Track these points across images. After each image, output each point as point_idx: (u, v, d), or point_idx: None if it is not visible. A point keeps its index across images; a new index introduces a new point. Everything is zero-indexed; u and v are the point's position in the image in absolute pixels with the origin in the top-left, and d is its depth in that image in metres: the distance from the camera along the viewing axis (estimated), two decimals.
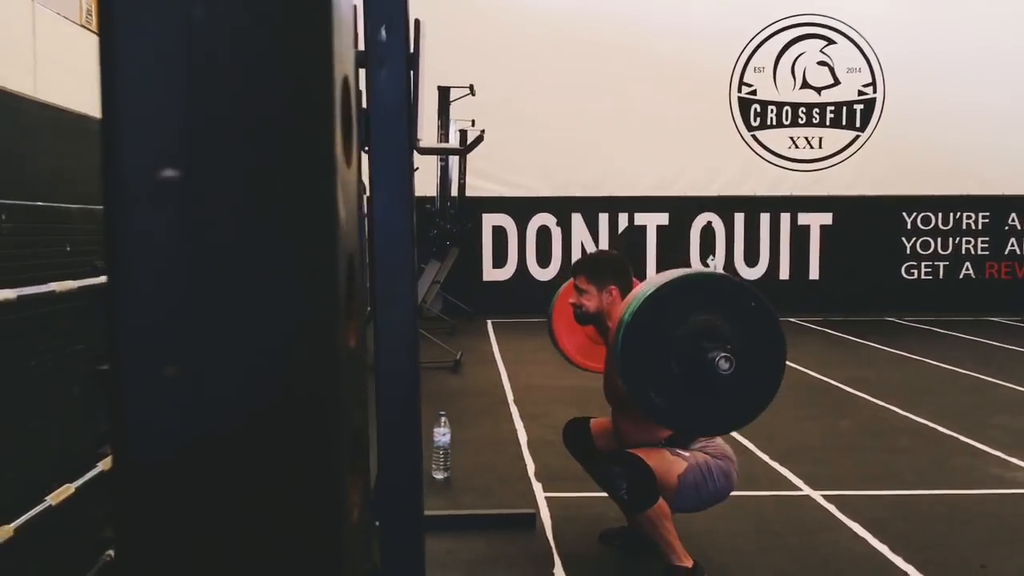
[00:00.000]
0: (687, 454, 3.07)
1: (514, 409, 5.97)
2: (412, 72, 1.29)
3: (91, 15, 7.82)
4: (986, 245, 11.52)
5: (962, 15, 11.39)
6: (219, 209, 0.37)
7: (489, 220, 11.10)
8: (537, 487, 4.28)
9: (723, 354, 2.62)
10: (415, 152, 1.32)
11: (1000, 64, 11.32)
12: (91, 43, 7.76)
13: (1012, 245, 11.51)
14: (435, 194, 8.33)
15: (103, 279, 2.16)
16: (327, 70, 0.38)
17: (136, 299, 0.37)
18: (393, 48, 1.25)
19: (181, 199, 0.37)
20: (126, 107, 0.37)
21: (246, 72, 0.38)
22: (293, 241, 0.38)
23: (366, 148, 1.29)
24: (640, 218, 11.23)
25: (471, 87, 7.71)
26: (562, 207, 11.06)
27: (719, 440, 3.18)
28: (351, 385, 0.41)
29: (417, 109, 1.33)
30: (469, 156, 9.74)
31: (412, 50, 1.29)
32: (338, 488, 0.40)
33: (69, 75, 7.15)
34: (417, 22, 1.31)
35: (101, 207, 2.34)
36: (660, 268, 10.40)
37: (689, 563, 3.04)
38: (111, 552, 2.12)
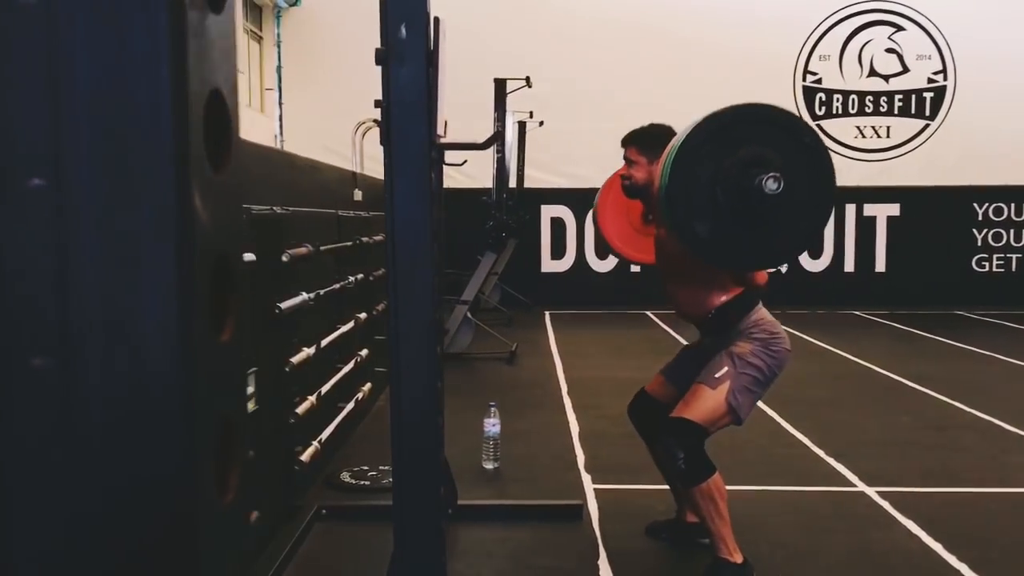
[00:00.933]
0: (724, 371, 3.01)
1: (567, 400, 5.98)
2: (431, 69, 1.31)
3: None
4: None
5: None
6: (79, 217, 0.40)
7: (548, 212, 11.11)
8: (586, 479, 4.28)
9: (771, 174, 2.55)
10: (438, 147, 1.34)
11: None
12: None
13: None
14: (491, 186, 8.35)
15: None
16: (182, 85, 0.40)
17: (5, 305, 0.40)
18: (412, 45, 1.27)
19: (44, 207, 0.39)
20: None
21: (103, 91, 0.40)
22: (150, 244, 0.40)
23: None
24: None
25: (527, 79, 7.71)
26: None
27: (760, 314, 3.13)
28: (219, 377, 0.43)
29: (437, 105, 1.35)
30: (528, 148, 9.74)
31: (432, 47, 1.31)
32: (197, 479, 0.42)
33: None
34: (436, 20, 1.33)
35: None
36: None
37: (739, 558, 3.01)
38: None
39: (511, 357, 7.43)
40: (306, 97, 11.62)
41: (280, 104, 11.74)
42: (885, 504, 3.89)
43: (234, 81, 0.46)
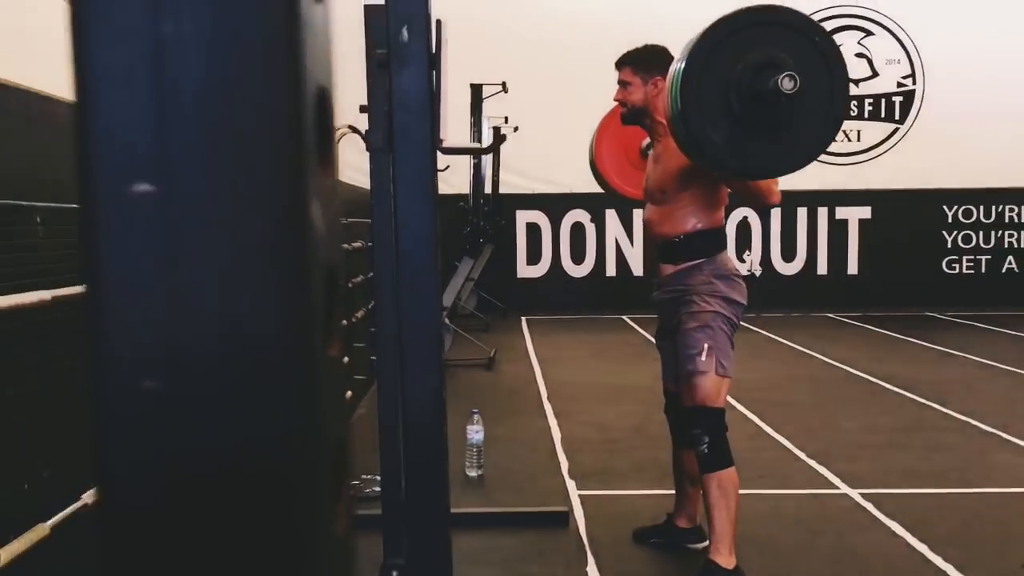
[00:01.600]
0: (704, 350, 3.02)
1: (548, 406, 5.96)
2: (434, 72, 1.30)
3: None
4: None
5: (1004, 4, 11.18)
6: (192, 225, 0.37)
7: (523, 217, 11.09)
8: (571, 485, 4.27)
9: (787, 73, 2.48)
10: (440, 151, 1.32)
11: None
12: None
13: None
14: (468, 191, 8.33)
15: None
16: (298, 82, 0.37)
17: (115, 321, 0.37)
18: (415, 48, 1.25)
19: (154, 214, 0.37)
20: (100, 124, 0.37)
21: (215, 86, 0.38)
22: (267, 254, 0.37)
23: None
24: None
25: (503, 84, 7.71)
26: (596, 203, 11.01)
27: (722, 260, 3.17)
28: (332, 398, 0.41)
29: (440, 109, 1.33)
30: (503, 153, 9.74)
31: (434, 50, 1.29)
32: (318, 504, 0.39)
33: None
34: (438, 22, 1.31)
35: None
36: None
37: (732, 563, 3.01)
38: None
39: (490, 363, 7.40)
40: None
41: None
42: (868, 506, 3.90)
43: (334, 77, 0.44)
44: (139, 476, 0.39)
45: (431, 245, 1.26)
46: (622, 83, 3.19)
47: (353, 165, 9.78)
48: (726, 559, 3.01)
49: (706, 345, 3.04)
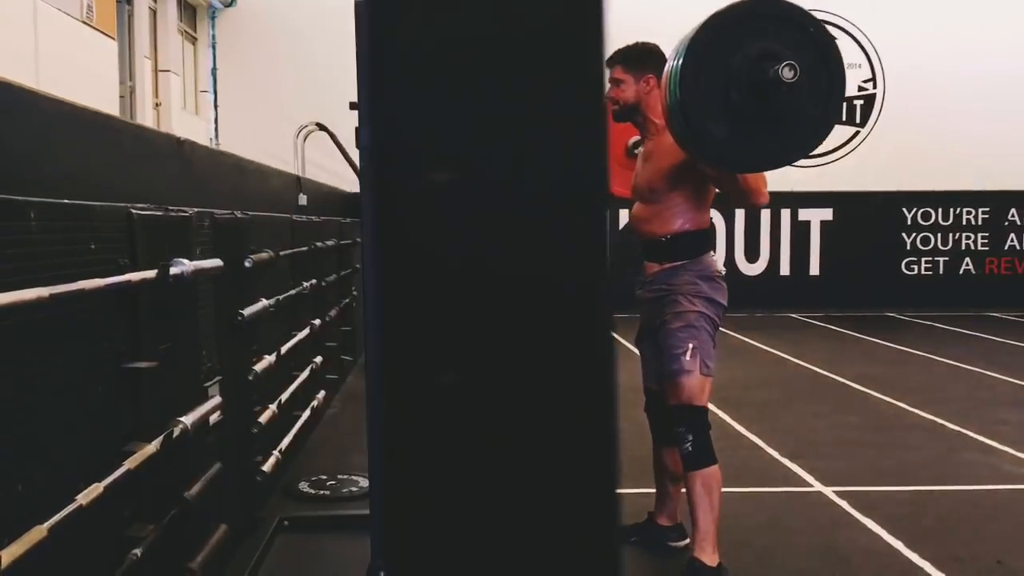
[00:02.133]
0: (689, 350, 3.06)
1: None
2: None
3: (91, 10, 7.77)
4: (986, 240, 11.53)
5: (962, 10, 11.39)
6: (490, 212, 0.35)
7: None
8: None
9: (786, 63, 2.49)
10: None
11: (1002, 59, 11.32)
12: (91, 39, 7.72)
13: (1012, 240, 11.52)
14: None
15: (127, 277, 2.14)
16: (596, 73, 0.36)
17: (409, 306, 0.35)
18: None
19: (451, 202, 0.35)
20: (398, 115, 0.36)
21: (514, 78, 0.37)
22: (569, 242, 0.36)
23: None
24: None
25: None
26: None
27: (707, 261, 3.19)
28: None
29: None
30: None
31: None
32: (615, 492, 0.38)
33: (69, 70, 7.11)
34: None
35: (123, 204, 2.30)
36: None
37: (715, 561, 3.03)
38: (137, 552, 2.11)
39: None
40: (242, 100, 11.41)
41: (215, 106, 11.50)
42: (844, 503, 3.95)
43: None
44: (431, 464, 0.37)
45: None
46: (614, 81, 3.19)
47: (317, 163, 9.70)
48: (710, 557, 3.03)
49: (691, 345, 3.07)
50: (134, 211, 2.29)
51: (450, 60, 0.30)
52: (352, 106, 2.69)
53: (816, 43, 2.64)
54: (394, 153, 0.32)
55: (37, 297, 1.61)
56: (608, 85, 3.22)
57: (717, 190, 3.18)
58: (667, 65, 2.75)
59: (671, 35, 2.92)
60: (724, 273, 3.27)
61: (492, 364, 0.33)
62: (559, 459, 0.34)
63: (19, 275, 1.67)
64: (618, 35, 3.92)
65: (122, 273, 2.13)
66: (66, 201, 1.98)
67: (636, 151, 3.64)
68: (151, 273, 2.24)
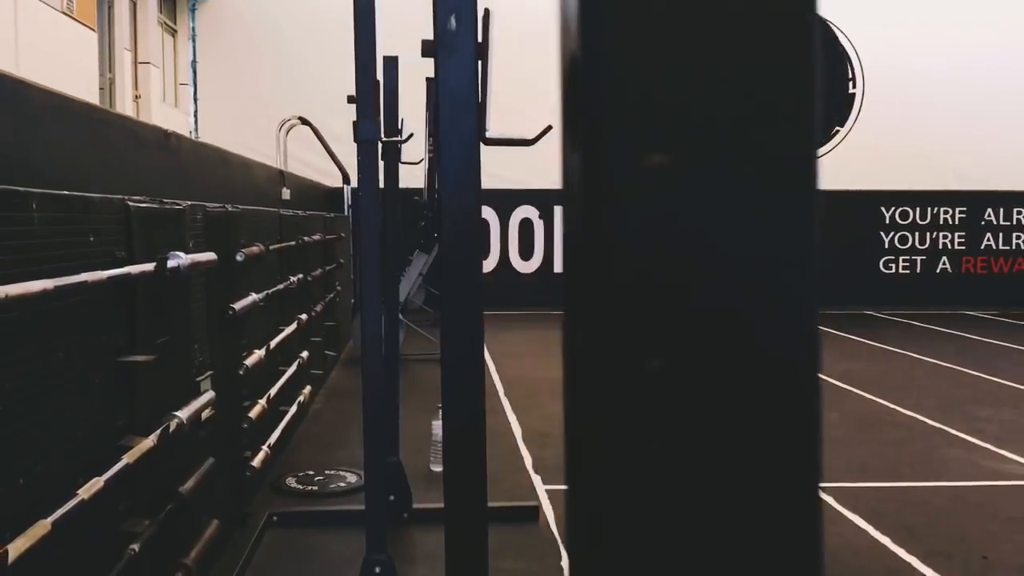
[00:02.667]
0: None
1: (505, 401, 5.96)
2: (481, 62, 1.28)
3: (72, 2, 7.69)
4: (963, 240, 11.66)
5: (942, 10, 11.50)
6: (707, 200, 0.35)
7: None
8: (536, 479, 4.27)
9: None
10: (483, 143, 1.31)
11: (981, 61, 11.45)
12: (71, 30, 7.64)
13: (988, 240, 11.66)
14: (423, 186, 8.27)
15: (127, 270, 2.12)
16: (809, 53, 0.36)
17: (619, 294, 0.35)
18: (463, 38, 1.23)
19: (670, 189, 0.35)
20: (614, 96, 0.35)
21: (732, 60, 0.36)
22: (779, 228, 0.36)
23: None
24: None
25: None
26: (544, 199, 11.05)
27: None
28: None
29: (486, 100, 1.32)
30: None
31: (481, 40, 1.28)
32: (817, 489, 0.39)
33: (49, 61, 7.04)
34: (487, 12, 1.30)
35: (119, 196, 2.28)
36: None
37: None
38: (135, 546, 2.09)
39: None
40: (223, 93, 11.33)
41: (195, 99, 11.41)
42: (828, 499, 3.98)
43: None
44: (641, 460, 0.37)
45: (475, 237, 1.25)
46: None
47: (296, 157, 9.65)
48: None
49: None
50: (131, 203, 2.27)
51: (666, 40, 0.30)
52: (350, 99, 2.70)
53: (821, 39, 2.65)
54: (610, 136, 0.32)
55: (43, 289, 1.60)
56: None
57: None
58: None
59: None
60: None
61: (699, 350, 0.33)
62: (764, 450, 0.34)
63: (21, 266, 1.66)
64: None
65: (119, 266, 2.12)
66: (66, 192, 1.97)
67: None
68: (149, 266, 2.23)
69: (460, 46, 1.25)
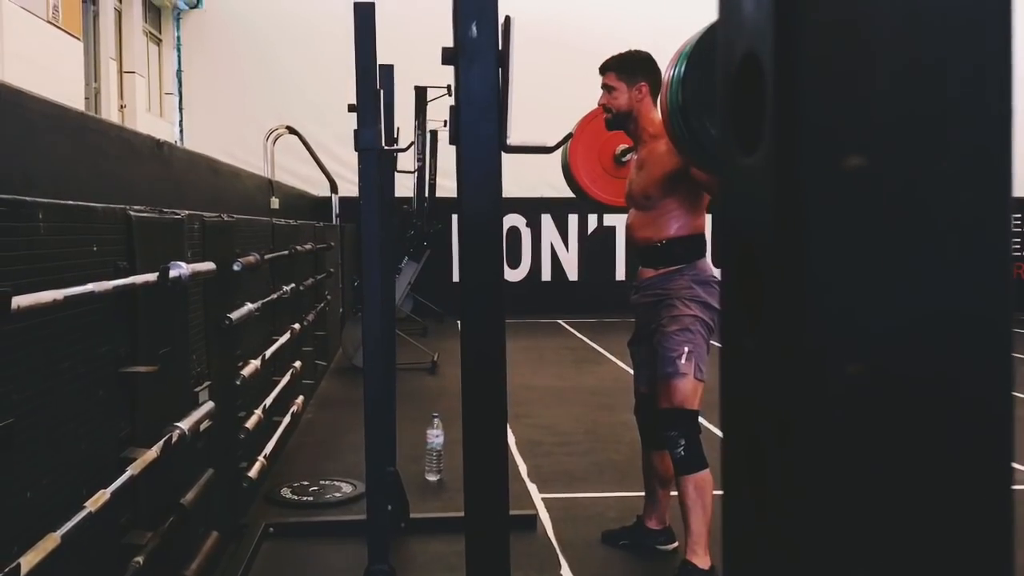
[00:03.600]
0: (684, 353, 3.08)
1: None
2: (502, 69, 1.28)
3: (57, 11, 7.65)
4: None
5: None
6: (907, 201, 0.35)
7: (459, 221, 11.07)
8: (532, 488, 4.27)
9: None
10: (504, 151, 1.31)
11: None
12: (56, 39, 7.59)
13: None
14: (412, 195, 8.27)
15: (131, 280, 2.10)
16: (1005, 57, 0.36)
17: (829, 296, 0.34)
18: (483, 45, 1.23)
19: (866, 188, 0.34)
20: (810, 101, 0.35)
21: (930, 57, 0.36)
22: (977, 232, 0.35)
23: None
24: (609, 219, 11.27)
25: (448, 87, 7.67)
26: (532, 208, 11.07)
27: (703, 265, 3.23)
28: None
29: (507, 107, 1.32)
30: (439, 155, 9.71)
31: (501, 47, 1.28)
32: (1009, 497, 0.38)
33: (34, 70, 6.99)
34: (507, 19, 1.30)
35: (121, 206, 2.27)
36: (630, 269, 10.49)
37: (707, 564, 3.04)
38: (139, 559, 2.07)
39: (433, 367, 7.36)
40: (208, 102, 11.29)
41: (180, 109, 11.37)
42: None
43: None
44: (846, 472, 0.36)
45: (497, 244, 1.24)
46: (606, 87, 3.20)
47: (282, 166, 9.62)
48: (702, 560, 3.05)
49: (686, 349, 3.09)
50: (132, 213, 2.26)
51: (866, 42, 0.30)
52: (351, 108, 2.69)
53: None
54: (807, 139, 0.31)
55: (53, 300, 1.58)
56: (602, 93, 3.24)
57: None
58: (669, 70, 2.78)
59: (670, 41, 2.96)
60: (718, 278, 3.30)
61: (903, 352, 0.33)
62: (958, 459, 0.34)
63: (30, 277, 1.64)
64: (616, 44, 3.93)
65: (120, 276, 2.10)
66: (71, 203, 1.95)
67: (624, 159, 3.66)
68: (152, 276, 2.21)
69: (481, 53, 1.25)
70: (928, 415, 0.35)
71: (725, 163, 0.41)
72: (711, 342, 3.21)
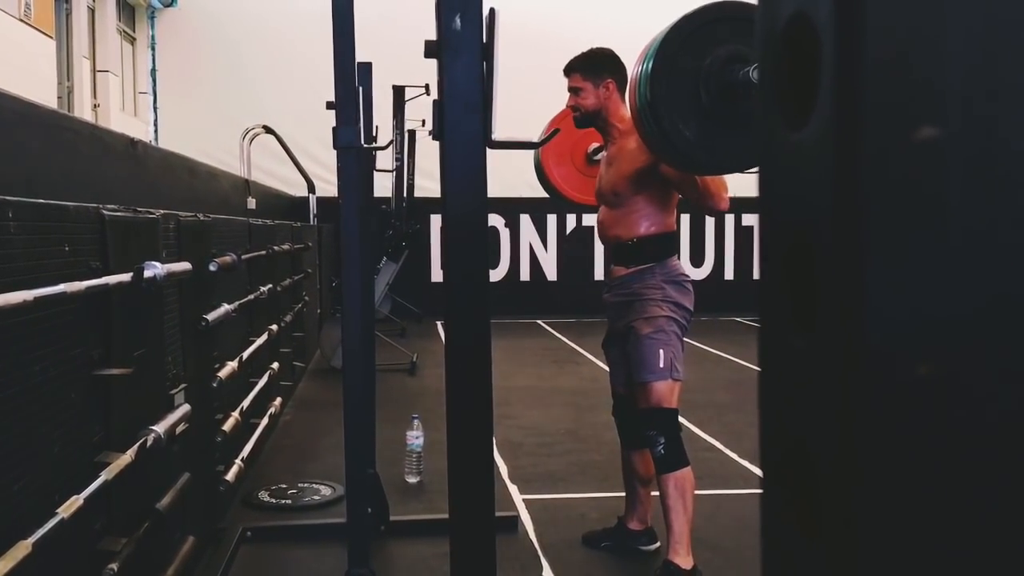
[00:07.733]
0: (660, 357, 3.06)
1: None
2: (486, 63, 1.25)
3: (29, 8, 7.54)
4: None
5: None
6: (982, 177, 0.32)
7: (437, 221, 11.02)
8: (513, 489, 4.24)
9: (756, 65, 2.50)
10: (489, 146, 1.28)
11: None
12: (29, 37, 7.48)
13: None
14: (390, 195, 8.22)
15: (104, 280, 2.06)
16: None
17: (895, 284, 0.31)
18: (468, 38, 1.20)
19: (939, 165, 0.31)
20: (880, 71, 0.32)
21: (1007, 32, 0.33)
22: None
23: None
24: (588, 219, 11.25)
25: (427, 87, 7.62)
26: (510, 208, 11.04)
27: (673, 264, 3.22)
28: None
29: (492, 101, 1.29)
30: (417, 156, 9.65)
31: (486, 40, 1.25)
32: None
33: (6, 69, 6.89)
34: (492, 11, 1.27)
35: (94, 205, 2.22)
36: (608, 268, 10.48)
37: (690, 563, 3.03)
38: (113, 566, 2.03)
39: (412, 368, 7.31)
40: (183, 102, 11.18)
41: (155, 108, 11.25)
42: None
43: None
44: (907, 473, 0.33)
45: (483, 243, 1.22)
46: (573, 89, 3.19)
47: (257, 166, 9.54)
48: (684, 559, 3.03)
49: (661, 350, 3.08)
50: (106, 212, 2.21)
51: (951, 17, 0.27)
52: (329, 105, 2.65)
53: None
54: (873, 109, 0.28)
55: (23, 301, 1.54)
56: (569, 95, 3.23)
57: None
58: (636, 68, 2.75)
59: (636, 41, 2.94)
60: (689, 277, 3.29)
61: (971, 355, 0.30)
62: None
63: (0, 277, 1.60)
64: (582, 44, 3.91)
65: (93, 276, 2.05)
66: (42, 201, 1.90)
67: (596, 158, 3.65)
68: (126, 276, 2.16)
69: (465, 46, 1.22)
70: (1005, 420, 0.33)
71: (765, 139, 0.38)
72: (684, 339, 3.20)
